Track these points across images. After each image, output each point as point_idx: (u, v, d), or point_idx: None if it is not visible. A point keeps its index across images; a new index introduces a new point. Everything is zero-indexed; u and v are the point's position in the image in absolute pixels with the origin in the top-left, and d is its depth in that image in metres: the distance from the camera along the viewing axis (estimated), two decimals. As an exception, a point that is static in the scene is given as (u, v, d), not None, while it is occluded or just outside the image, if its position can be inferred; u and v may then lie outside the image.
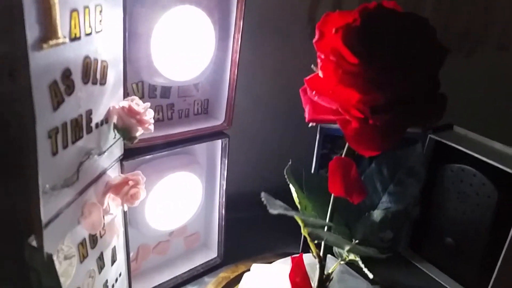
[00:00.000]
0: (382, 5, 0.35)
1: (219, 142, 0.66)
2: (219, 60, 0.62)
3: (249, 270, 0.61)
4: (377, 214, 0.48)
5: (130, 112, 0.47)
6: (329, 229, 0.45)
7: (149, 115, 0.49)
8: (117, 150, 0.51)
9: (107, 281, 0.53)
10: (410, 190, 0.48)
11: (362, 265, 0.44)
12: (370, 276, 0.43)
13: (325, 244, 0.46)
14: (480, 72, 1.00)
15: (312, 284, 0.49)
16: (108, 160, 0.49)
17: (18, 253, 0.37)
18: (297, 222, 0.43)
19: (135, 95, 0.57)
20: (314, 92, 0.37)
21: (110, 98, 0.47)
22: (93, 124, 0.43)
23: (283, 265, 0.58)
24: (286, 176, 0.46)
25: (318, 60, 0.36)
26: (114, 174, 0.51)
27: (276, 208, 0.38)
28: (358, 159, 0.40)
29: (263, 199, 0.39)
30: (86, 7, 0.38)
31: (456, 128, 0.73)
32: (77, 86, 0.39)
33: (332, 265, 0.49)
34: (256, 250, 0.75)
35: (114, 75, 0.47)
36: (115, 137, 0.49)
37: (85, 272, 0.47)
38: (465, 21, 0.97)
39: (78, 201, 0.44)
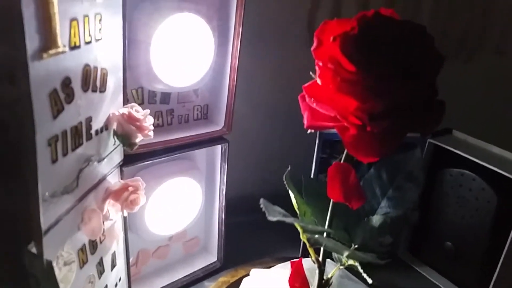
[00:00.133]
0: (380, 13, 0.35)
1: (218, 147, 0.66)
2: (218, 66, 0.62)
3: (248, 274, 0.61)
4: (376, 219, 0.48)
5: (130, 119, 0.47)
6: (328, 235, 0.45)
7: (149, 122, 0.49)
8: (117, 156, 0.51)
9: (106, 286, 0.53)
10: (409, 195, 0.48)
11: (361, 270, 0.44)
12: (369, 281, 0.43)
13: (324, 250, 0.47)
14: (479, 77, 1.01)
15: (312, 289, 0.49)
16: (108, 166, 0.49)
17: (17, 259, 0.37)
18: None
19: (135, 101, 0.57)
20: (312, 99, 0.37)
21: (109, 105, 0.47)
22: (93, 131, 0.44)
23: (283, 270, 0.58)
24: (285, 182, 0.46)
25: (316, 68, 0.36)
26: (114, 180, 0.52)
27: (275, 215, 0.38)
28: (357, 164, 0.40)
29: (262, 206, 0.39)
30: (85, 16, 0.38)
31: (455, 133, 0.73)
32: (77, 94, 0.39)
33: (332, 270, 0.49)
34: (256, 255, 0.75)
35: (114, 82, 0.47)
36: (114, 144, 0.49)
37: (85, 277, 0.48)
38: (463, 27, 0.98)
39: (78, 208, 0.44)
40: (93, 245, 0.49)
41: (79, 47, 0.38)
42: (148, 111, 0.50)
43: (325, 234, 0.45)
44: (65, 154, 0.39)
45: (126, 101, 0.51)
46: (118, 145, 0.50)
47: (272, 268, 0.60)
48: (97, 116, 0.44)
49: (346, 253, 0.42)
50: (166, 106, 0.62)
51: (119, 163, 0.52)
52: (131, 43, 0.51)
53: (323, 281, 0.48)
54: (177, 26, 0.54)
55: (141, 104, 0.58)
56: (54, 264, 0.39)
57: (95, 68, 0.42)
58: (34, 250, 0.37)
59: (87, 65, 0.40)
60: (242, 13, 0.59)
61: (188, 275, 0.70)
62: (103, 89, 0.44)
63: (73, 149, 0.40)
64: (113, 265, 0.55)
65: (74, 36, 0.37)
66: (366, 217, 0.48)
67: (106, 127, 0.47)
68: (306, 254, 0.49)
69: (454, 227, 0.69)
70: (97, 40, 0.41)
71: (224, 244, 0.73)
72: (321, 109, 0.36)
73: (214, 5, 0.59)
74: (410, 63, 0.34)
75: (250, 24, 0.62)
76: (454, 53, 1.00)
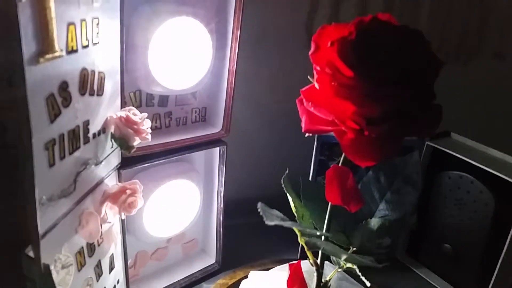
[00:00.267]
0: (377, 18, 0.35)
1: (216, 150, 0.66)
2: (216, 69, 0.62)
3: (247, 276, 0.61)
4: (374, 222, 0.48)
5: (128, 122, 0.47)
6: (326, 238, 0.45)
7: (146, 125, 0.49)
8: (115, 159, 0.51)
9: (105, 288, 0.53)
10: (407, 199, 0.48)
11: (359, 273, 0.44)
12: (368, 284, 0.44)
13: (322, 252, 0.47)
14: (477, 80, 1.01)
15: (310, 292, 0.49)
16: (106, 169, 0.49)
17: (15, 263, 0.37)
18: (294, 228, 0.44)
19: (133, 103, 0.57)
20: (310, 103, 0.37)
21: (107, 108, 0.47)
22: (90, 135, 0.44)
23: (281, 272, 0.58)
24: (283, 185, 0.46)
25: (314, 72, 0.36)
26: (111, 183, 0.52)
27: (272, 219, 0.38)
28: (355, 166, 0.40)
29: (259, 210, 0.39)
30: (83, 20, 0.38)
31: (454, 135, 0.73)
32: (74, 98, 0.39)
33: (330, 272, 0.49)
34: (254, 256, 0.75)
35: (112, 85, 0.47)
36: (112, 147, 0.49)
37: (83, 280, 0.48)
38: (460, 31, 0.98)
39: (76, 211, 0.44)
40: (91, 248, 0.49)
41: (76, 51, 0.38)
42: (145, 114, 0.50)
43: (323, 237, 0.45)
44: (62, 157, 0.39)
45: (123, 104, 0.51)
46: (116, 148, 0.50)
47: (271, 270, 0.60)
48: (95, 119, 0.44)
49: (344, 257, 0.42)
50: (164, 109, 0.62)
51: (116, 166, 0.52)
52: (129, 47, 0.51)
53: (322, 284, 0.48)
54: (175, 29, 0.54)
55: (139, 106, 0.58)
56: (52, 268, 0.39)
57: (93, 71, 0.42)
58: (31, 254, 0.37)
59: (84, 69, 0.40)
60: (240, 17, 0.59)
61: (186, 277, 0.70)
62: (100, 92, 0.44)
63: (71, 153, 0.40)
64: (111, 268, 0.55)
65: (71, 40, 0.37)
66: (364, 220, 0.48)
67: (103, 130, 0.47)
68: (304, 256, 0.49)
69: (453, 230, 0.69)
70: (94, 44, 0.41)
71: (223, 246, 0.73)
72: (319, 113, 0.36)
73: (212, 8, 0.59)
74: (407, 68, 0.34)
75: (248, 27, 0.62)
76: (453, 57, 1.00)
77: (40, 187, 0.35)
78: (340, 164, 0.42)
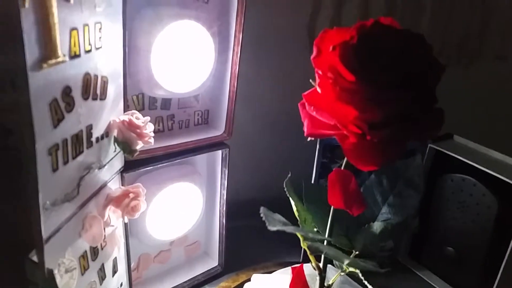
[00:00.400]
0: (379, 22, 0.35)
1: (219, 153, 0.66)
2: (219, 72, 0.62)
3: (249, 279, 0.61)
4: (377, 226, 0.48)
5: (131, 126, 0.47)
6: (328, 242, 0.45)
7: (149, 129, 0.49)
8: (118, 163, 0.51)
9: (108, 292, 0.53)
10: (410, 202, 0.48)
11: (362, 277, 0.44)
12: (370, 288, 0.44)
13: (325, 256, 0.47)
14: (479, 82, 1.01)
15: (313, 296, 0.49)
16: (109, 173, 0.49)
17: (19, 268, 0.38)
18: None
19: (136, 107, 0.57)
20: (312, 107, 0.37)
21: (110, 112, 0.47)
22: (93, 139, 0.44)
23: (284, 275, 0.59)
24: (285, 189, 0.46)
25: (316, 76, 0.36)
26: (114, 187, 0.52)
27: (275, 224, 0.38)
28: (357, 170, 0.40)
29: (262, 215, 0.39)
30: (85, 25, 0.38)
31: (456, 138, 0.72)
32: (77, 102, 0.39)
33: (333, 275, 0.49)
34: (257, 259, 0.75)
35: (114, 89, 0.47)
36: (115, 151, 0.49)
37: (86, 284, 0.48)
38: (462, 34, 0.98)
39: (79, 215, 0.44)
40: (94, 251, 0.49)
41: (79, 56, 0.38)
42: (148, 118, 0.50)
43: (325, 241, 0.45)
44: (65, 162, 0.39)
45: (126, 108, 0.51)
46: (119, 152, 0.50)
47: (273, 273, 0.60)
48: (98, 123, 0.44)
49: (346, 261, 0.42)
50: (167, 112, 0.62)
51: (119, 169, 0.52)
52: (132, 50, 0.51)
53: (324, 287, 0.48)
54: (177, 33, 0.54)
55: (141, 110, 0.58)
56: (56, 272, 0.39)
57: (96, 76, 0.42)
58: (35, 258, 0.37)
59: (87, 74, 0.40)
60: (243, 20, 0.59)
61: (189, 279, 0.70)
62: (103, 96, 0.45)
63: (74, 157, 0.40)
64: (115, 271, 0.55)
65: (74, 46, 0.37)
66: (367, 224, 0.48)
67: (106, 134, 0.47)
68: (307, 260, 0.49)
69: (455, 232, 0.69)
70: (97, 49, 0.41)
71: (225, 248, 0.73)
72: (321, 117, 0.36)
73: (215, 12, 0.60)
74: (409, 72, 0.34)
75: (250, 30, 0.62)
76: (455, 59, 1.00)
77: (43, 192, 0.35)
78: (342, 168, 0.42)
